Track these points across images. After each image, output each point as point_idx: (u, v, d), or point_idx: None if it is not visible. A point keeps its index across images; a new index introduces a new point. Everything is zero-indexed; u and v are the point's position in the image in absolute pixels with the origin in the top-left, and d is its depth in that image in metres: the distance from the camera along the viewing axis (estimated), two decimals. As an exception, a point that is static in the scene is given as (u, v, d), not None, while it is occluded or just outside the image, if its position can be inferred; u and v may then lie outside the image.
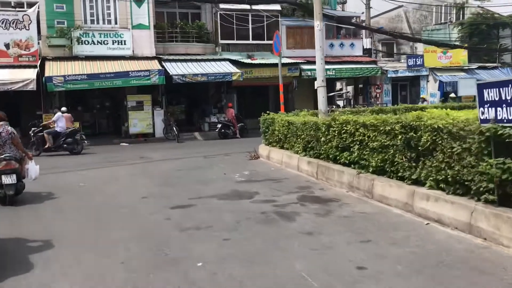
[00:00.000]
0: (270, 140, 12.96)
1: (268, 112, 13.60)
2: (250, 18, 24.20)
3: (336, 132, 8.73)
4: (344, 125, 8.48)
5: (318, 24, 11.12)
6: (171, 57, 22.44)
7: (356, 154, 8.04)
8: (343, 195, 8.03)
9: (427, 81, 28.84)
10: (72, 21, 20.82)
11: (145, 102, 21.36)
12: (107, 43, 21.54)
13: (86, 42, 21.28)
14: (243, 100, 24.88)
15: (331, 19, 25.82)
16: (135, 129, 21.25)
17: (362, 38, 29.35)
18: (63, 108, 19.00)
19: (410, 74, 28.92)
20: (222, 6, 23.72)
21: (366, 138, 7.72)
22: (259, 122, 13.97)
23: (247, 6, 23.84)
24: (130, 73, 20.15)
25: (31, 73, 19.43)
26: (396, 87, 30.23)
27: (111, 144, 20.32)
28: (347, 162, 8.45)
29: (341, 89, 34.39)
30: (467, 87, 24.51)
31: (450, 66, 28.67)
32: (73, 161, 15.05)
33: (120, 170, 12.76)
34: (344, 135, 8.43)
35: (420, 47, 33.05)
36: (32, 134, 18.07)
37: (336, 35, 27.71)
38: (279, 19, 24.73)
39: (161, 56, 22.25)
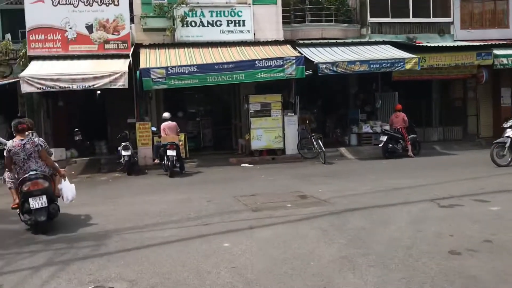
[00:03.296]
0: None
1: None
2: (409, -13, 17.24)
3: None
4: None
5: None
6: (305, 42, 15.94)
7: None
8: None
9: None
10: (174, -5, 15.09)
11: (273, 105, 14.97)
12: (220, 24, 15.53)
13: (193, 24, 15.40)
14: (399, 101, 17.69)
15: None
16: (258, 143, 14.91)
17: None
18: (166, 114, 13.14)
19: None
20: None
21: None
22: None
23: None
24: (256, 63, 13.88)
25: (122, 65, 13.79)
26: None
27: (227, 165, 14.16)
28: None
29: None
30: None
31: None
32: (178, 186, 8.87)
33: (292, 228, 6.31)
34: None
35: None
36: (121, 150, 12.43)
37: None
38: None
39: (297, 41, 15.87)
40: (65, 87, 13.02)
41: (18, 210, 6.94)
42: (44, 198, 6.59)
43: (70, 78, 12.97)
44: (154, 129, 13.54)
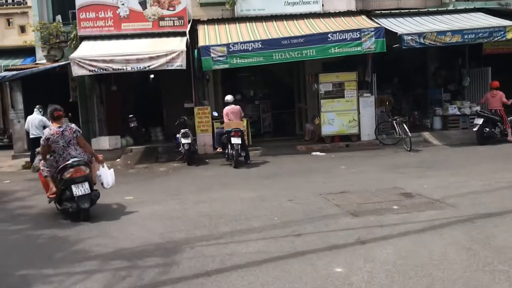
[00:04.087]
0: None
1: None
2: None
3: None
4: None
5: None
6: (382, 13, 13.99)
7: None
8: None
9: None
10: (233, -37, 13.53)
11: (347, 85, 13.19)
12: (285, -5, 13.86)
13: (254, -5, 13.82)
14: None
15: None
16: (330, 128, 13.22)
17: None
18: (229, 97, 11.71)
19: None
20: None
21: None
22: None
23: None
24: (329, 36, 12.12)
25: (178, 44, 12.44)
26: None
27: (295, 153, 12.61)
28: None
29: None
30: None
31: None
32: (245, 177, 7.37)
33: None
34: None
35: None
36: (180, 137, 11.19)
37: None
38: None
39: (373, 11, 13.98)
40: (118, 69, 11.84)
41: (53, 200, 6.83)
42: (86, 184, 6.50)
43: (123, 59, 11.76)
44: (215, 114, 12.15)
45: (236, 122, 11.05)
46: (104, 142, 13.09)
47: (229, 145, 10.97)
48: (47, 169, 6.77)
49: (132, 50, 12.05)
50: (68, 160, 6.53)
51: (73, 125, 6.84)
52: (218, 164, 11.56)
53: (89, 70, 11.83)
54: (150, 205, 7.38)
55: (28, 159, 13.06)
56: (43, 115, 12.42)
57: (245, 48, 12.04)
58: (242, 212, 6.56)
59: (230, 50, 11.99)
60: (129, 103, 15.88)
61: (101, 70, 11.86)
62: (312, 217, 6.11)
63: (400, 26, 12.70)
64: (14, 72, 12.79)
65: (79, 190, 6.42)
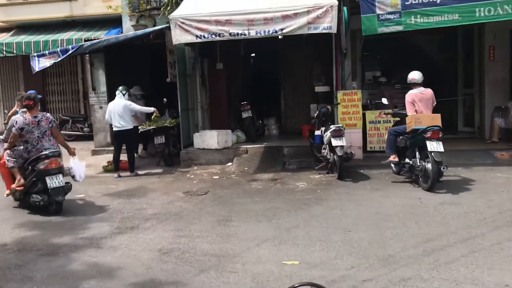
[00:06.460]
0: None
1: None
2: None
3: None
4: None
5: None
6: None
7: None
8: None
9: None
10: None
11: None
12: None
13: None
14: None
15: None
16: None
17: None
18: (416, 74, 7.44)
19: None
20: None
21: None
22: None
23: None
24: None
25: (323, -3, 8.40)
26: None
27: (496, 164, 8.17)
28: None
29: None
30: None
31: None
32: None
33: None
34: None
35: None
36: (329, 138, 7.29)
37: None
38: None
39: None
40: (238, 34, 8.08)
41: (16, 192, 6.55)
42: (61, 176, 6.36)
43: (245, 18, 7.99)
44: (385, 101, 7.92)
45: (429, 115, 6.83)
46: (210, 139, 9.47)
47: (414, 152, 6.82)
48: (14, 159, 6.47)
49: (258, 6, 8.20)
50: (42, 151, 6.35)
51: (48, 115, 6.67)
52: (385, 179, 7.50)
53: (196, 36, 8.19)
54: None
55: (110, 155, 9.88)
56: (128, 99, 9.09)
57: (429, 0, 7.78)
58: None
59: (406, 3, 7.80)
60: (235, 85, 12.20)
61: (213, 36, 8.17)
62: None
63: None
64: (95, 41, 9.48)
65: (53, 182, 6.25)
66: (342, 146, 7.50)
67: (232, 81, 11.95)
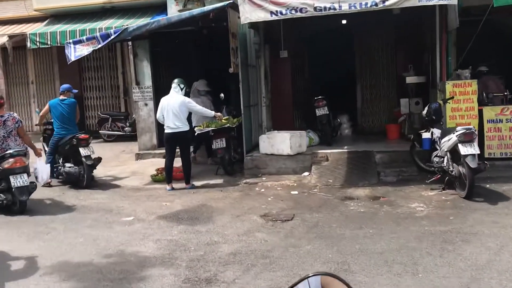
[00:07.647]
0: None
1: None
2: None
3: None
4: None
5: None
6: None
7: None
8: None
9: None
10: None
11: None
12: None
13: None
14: None
15: None
16: None
17: None
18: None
19: None
20: None
21: None
22: None
23: None
24: None
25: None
26: None
27: None
28: None
29: None
30: None
31: None
32: None
33: None
34: None
35: None
36: (447, 143, 5.26)
37: None
38: None
39: None
40: (325, 9, 6.24)
41: None
42: (25, 176, 6.32)
43: (336, -12, 6.14)
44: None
45: None
46: (281, 143, 7.63)
47: None
48: None
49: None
50: (7, 151, 6.37)
51: (15, 115, 6.76)
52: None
53: (271, 12, 6.42)
54: None
55: (160, 161, 8.23)
56: (186, 95, 7.40)
57: None
58: None
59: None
60: (301, 76, 10.34)
61: (293, 12, 6.38)
62: None
63: None
64: (142, 23, 7.80)
65: (17, 181, 6.18)
66: (474, 155, 5.56)
67: (298, 72, 10.10)
